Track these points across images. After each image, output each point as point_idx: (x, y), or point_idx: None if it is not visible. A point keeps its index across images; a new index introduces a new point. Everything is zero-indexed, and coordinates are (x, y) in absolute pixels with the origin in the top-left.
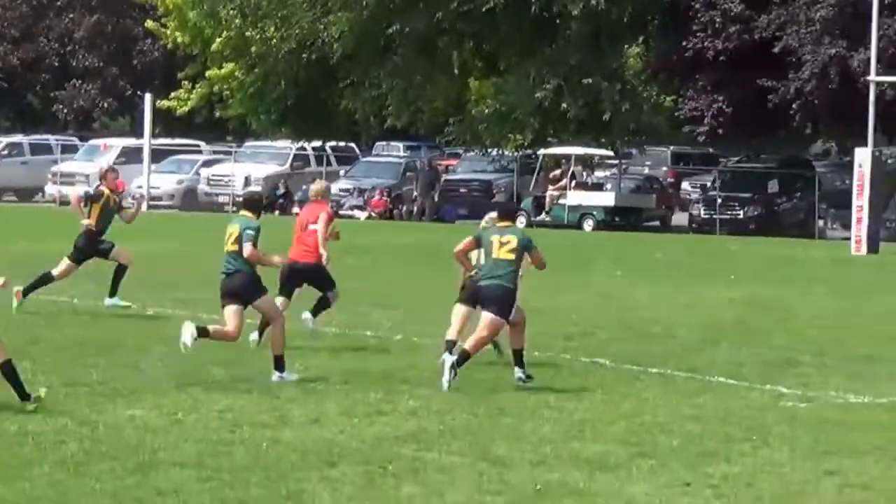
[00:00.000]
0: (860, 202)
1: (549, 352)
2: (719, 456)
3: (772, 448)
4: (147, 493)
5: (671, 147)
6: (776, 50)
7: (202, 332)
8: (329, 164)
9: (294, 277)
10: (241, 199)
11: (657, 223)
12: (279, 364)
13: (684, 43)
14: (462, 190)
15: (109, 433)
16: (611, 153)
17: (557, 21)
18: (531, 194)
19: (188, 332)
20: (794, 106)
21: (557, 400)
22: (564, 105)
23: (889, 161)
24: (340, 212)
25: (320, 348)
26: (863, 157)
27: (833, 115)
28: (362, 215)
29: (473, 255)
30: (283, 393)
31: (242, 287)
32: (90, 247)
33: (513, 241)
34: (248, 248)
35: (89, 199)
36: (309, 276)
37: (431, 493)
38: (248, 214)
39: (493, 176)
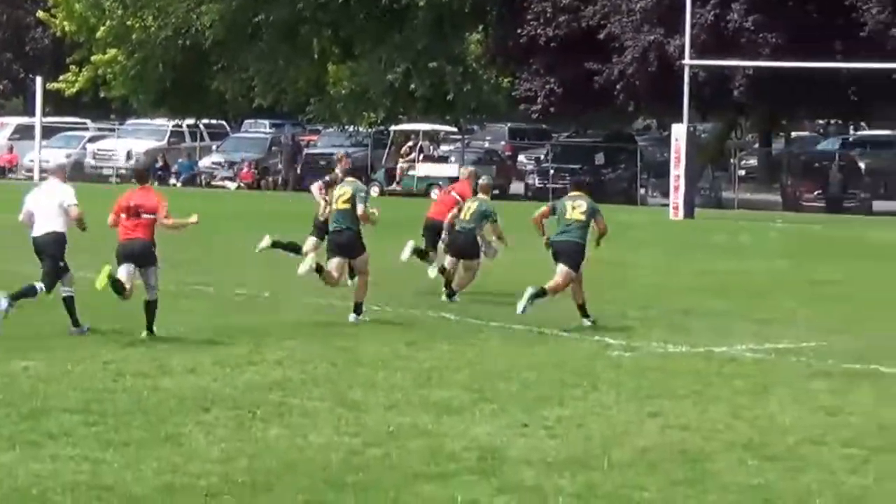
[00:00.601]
0: (677, 172)
1: (400, 308)
2: (553, 400)
3: (600, 392)
4: (40, 437)
5: (508, 124)
6: (601, 37)
7: (318, 269)
8: (202, 139)
9: (430, 231)
10: (347, 169)
11: (497, 192)
12: (358, 308)
13: (519, 30)
14: (322, 162)
15: (5, 382)
16: (455, 129)
17: (406, 11)
18: (383, 166)
19: (306, 265)
20: (617, 86)
21: (408, 350)
22: (413, 86)
23: (702, 136)
24: (213, 182)
25: (195, 308)
26: (679, 132)
27: (652, 94)
28: (232, 186)
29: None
30: (162, 345)
31: (349, 243)
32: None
33: (583, 206)
34: (361, 208)
35: (328, 186)
36: (439, 232)
37: (296, 435)
38: (353, 180)
39: (350, 150)
